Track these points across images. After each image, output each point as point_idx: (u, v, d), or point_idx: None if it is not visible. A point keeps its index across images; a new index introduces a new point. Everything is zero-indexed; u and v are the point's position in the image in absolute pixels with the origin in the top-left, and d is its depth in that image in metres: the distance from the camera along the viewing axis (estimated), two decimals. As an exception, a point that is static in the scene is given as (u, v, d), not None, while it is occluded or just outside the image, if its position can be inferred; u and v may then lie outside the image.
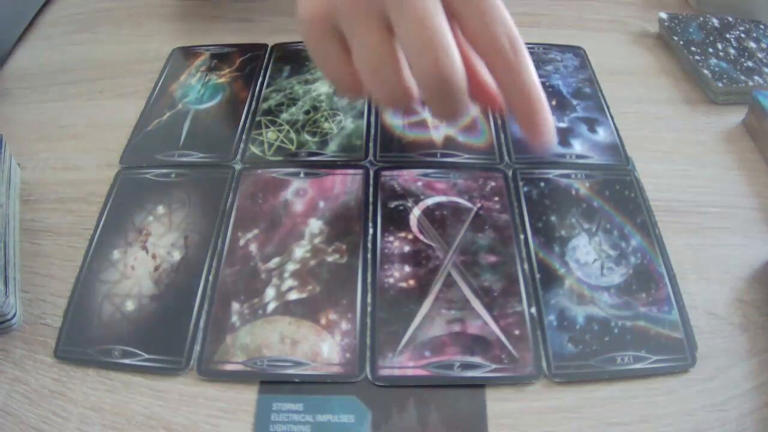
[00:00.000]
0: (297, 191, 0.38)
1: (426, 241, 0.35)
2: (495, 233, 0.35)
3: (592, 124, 0.42)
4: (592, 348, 0.31)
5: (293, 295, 0.33)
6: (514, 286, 0.33)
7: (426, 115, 0.43)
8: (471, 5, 0.24)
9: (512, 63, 0.25)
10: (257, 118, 0.43)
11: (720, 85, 0.44)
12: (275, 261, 0.34)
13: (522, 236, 0.35)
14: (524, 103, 0.25)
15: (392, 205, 0.37)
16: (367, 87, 0.25)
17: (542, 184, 0.38)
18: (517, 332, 0.31)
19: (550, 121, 0.26)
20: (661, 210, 0.37)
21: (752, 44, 0.48)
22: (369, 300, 0.32)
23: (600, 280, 0.33)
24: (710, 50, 0.47)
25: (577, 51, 0.49)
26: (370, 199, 0.37)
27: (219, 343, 0.31)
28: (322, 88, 0.45)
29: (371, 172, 0.39)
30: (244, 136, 0.41)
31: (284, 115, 0.43)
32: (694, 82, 0.47)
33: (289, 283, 0.33)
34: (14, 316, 0.31)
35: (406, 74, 0.24)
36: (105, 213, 0.37)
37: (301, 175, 0.39)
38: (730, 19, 0.51)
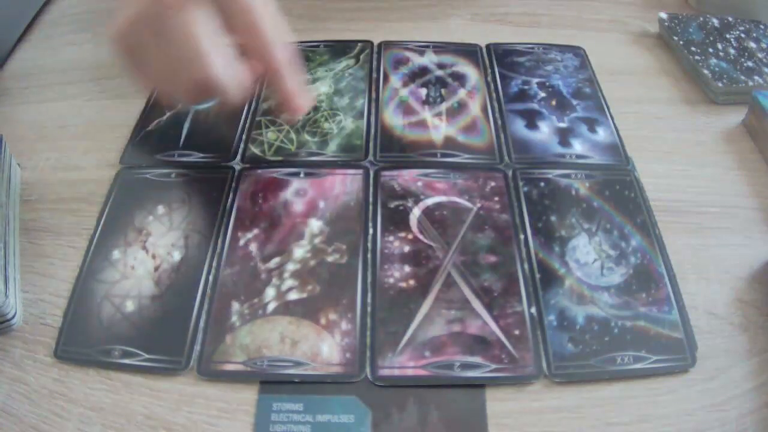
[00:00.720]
0: (297, 191, 0.38)
1: (426, 241, 0.35)
2: (495, 233, 0.35)
3: (592, 124, 0.42)
4: (592, 348, 0.31)
5: (293, 295, 0.33)
6: (514, 286, 0.33)
7: (426, 115, 0.43)
8: (237, 21, 0.30)
9: (270, 72, 0.32)
10: (257, 118, 0.43)
11: (720, 85, 0.44)
12: (275, 261, 0.34)
13: (522, 236, 0.35)
14: (282, 96, 0.33)
15: (392, 205, 0.37)
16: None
17: (542, 184, 0.38)
18: (517, 332, 0.31)
19: (299, 108, 0.34)
20: (661, 210, 0.37)
21: (752, 44, 0.48)
22: (369, 300, 0.32)
23: (600, 280, 0.33)
24: (710, 50, 0.47)
25: (577, 51, 0.49)
26: (370, 199, 0.37)
27: (219, 343, 0.31)
28: (322, 88, 0.45)
29: (371, 172, 0.39)
30: (244, 136, 0.41)
31: (284, 115, 0.43)
32: (694, 82, 0.47)
33: (289, 283, 0.33)
34: (14, 316, 0.31)
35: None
36: (105, 213, 0.37)
37: (301, 175, 0.39)
38: (730, 19, 0.51)
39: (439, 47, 0.49)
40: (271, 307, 0.32)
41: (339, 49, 0.49)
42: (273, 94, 0.33)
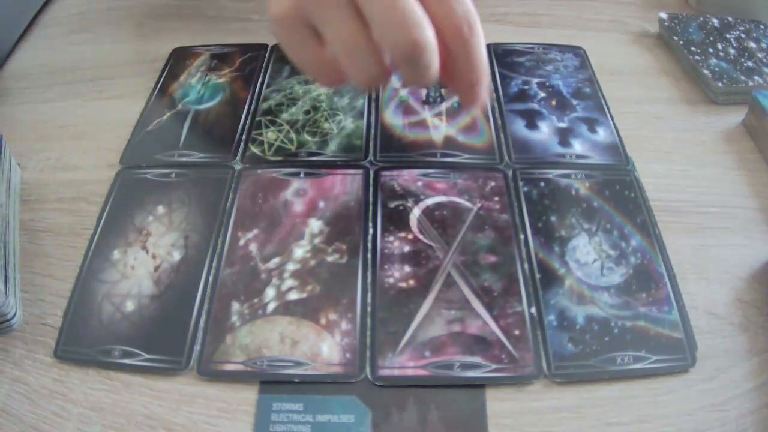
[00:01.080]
0: (297, 191, 0.38)
1: (426, 241, 0.35)
2: (495, 233, 0.35)
3: (592, 124, 0.42)
4: (592, 348, 0.31)
5: (293, 295, 0.33)
6: (514, 286, 0.33)
7: (426, 115, 0.43)
8: None
9: (467, 41, 0.26)
10: (257, 118, 0.43)
11: (720, 85, 0.44)
12: (275, 261, 0.34)
13: (522, 236, 0.35)
14: (470, 75, 0.27)
15: (392, 205, 0.37)
16: (347, 71, 0.27)
17: (542, 184, 0.38)
18: (517, 332, 0.31)
19: (484, 94, 0.28)
20: (661, 210, 0.37)
21: (752, 44, 0.48)
22: (369, 300, 0.32)
23: (600, 280, 0.33)
24: (710, 50, 0.47)
25: (577, 51, 0.49)
26: (370, 199, 0.37)
27: (219, 343, 0.31)
28: (322, 88, 0.45)
29: (371, 172, 0.39)
30: (244, 136, 0.41)
31: (284, 115, 0.43)
32: (694, 82, 0.47)
33: (289, 283, 0.33)
34: (14, 316, 0.31)
35: (381, 52, 0.26)
36: (105, 213, 0.37)
37: (301, 175, 0.39)
38: (730, 19, 0.51)
39: (439, 47, 0.49)
40: (271, 307, 0.32)
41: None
42: (455, 76, 0.28)
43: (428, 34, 0.25)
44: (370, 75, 0.27)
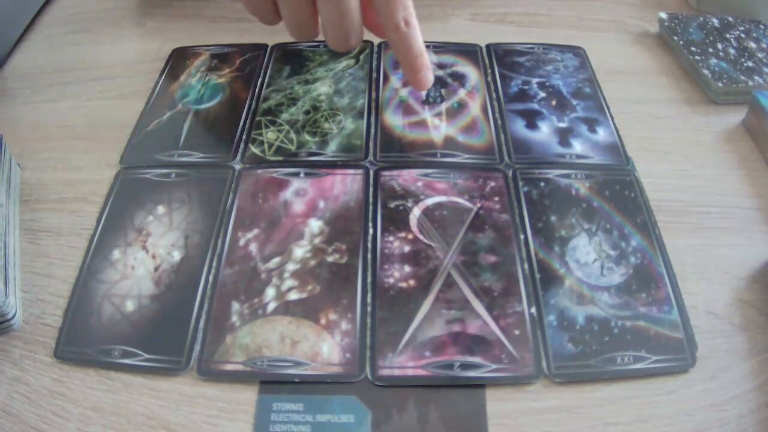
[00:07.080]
0: (297, 191, 0.38)
1: (426, 241, 0.35)
2: (495, 233, 0.35)
3: (592, 124, 0.42)
4: (592, 348, 0.31)
5: (293, 295, 0.33)
6: (514, 286, 0.33)
7: (426, 115, 0.43)
8: None
9: (405, 35, 0.34)
10: (257, 118, 0.43)
11: (720, 85, 0.44)
12: (275, 261, 0.34)
13: (522, 236, 0.35)
14: (410, 62, 0.36)
15: (392, 205, 0.37)
16: (291, 32, 0.36)
17: (542, 184, 0.38)
18: (517, 332, 0.31)
19: (429, 76, 0.37)
20: (661, 210, 0.37)
21: (752, 44, 0.48)
22: (369, 300, 0.32)
23: (600, 280, 0.33)
24: (710, 50, 0.47)
25: (577, 51, 0.49)
26: (370, 199, 0.37)
27: (219, 343, 0.31)
28: (322, 88, 0.45)
29: (371, 172, 0.39)
30: (244, 136, 0.41)
31: (284, 115, 0.43)
32: (694, 82, 0.47)
33: (289, 283, 0.33)
34: (14, 316, 0.31)
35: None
36: (105, 213, 0.37)
37: (301, 175, 0.39)
38: (730, 19, 0.51)
39: (439, 47, 0.49)
40: (271, 307, 0.32)
41: (339, 49, 0.49)
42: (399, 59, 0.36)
43: (354, 36, 0.35)
44: (303, 37, 0.36)
